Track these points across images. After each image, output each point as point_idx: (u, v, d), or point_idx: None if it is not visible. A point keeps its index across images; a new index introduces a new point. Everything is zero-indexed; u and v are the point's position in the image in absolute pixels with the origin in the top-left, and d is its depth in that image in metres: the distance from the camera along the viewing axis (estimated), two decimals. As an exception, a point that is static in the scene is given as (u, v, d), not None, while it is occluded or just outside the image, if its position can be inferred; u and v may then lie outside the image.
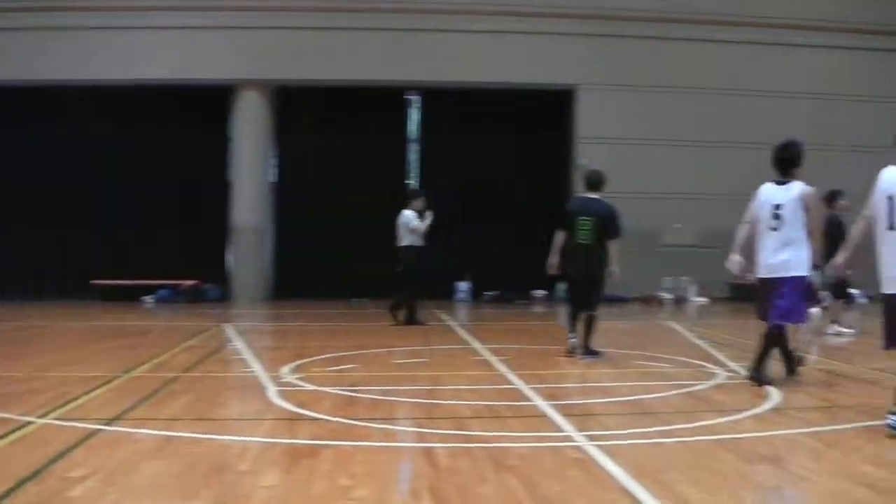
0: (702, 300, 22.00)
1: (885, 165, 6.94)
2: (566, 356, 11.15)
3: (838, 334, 13.98)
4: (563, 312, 12.22)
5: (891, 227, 6.71)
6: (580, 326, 11.19)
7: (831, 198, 14.09)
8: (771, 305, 8.98)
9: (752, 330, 15.66)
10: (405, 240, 15.45)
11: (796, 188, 8.86)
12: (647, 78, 22.84)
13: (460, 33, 22.42)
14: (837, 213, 13.94)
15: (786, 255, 8.84)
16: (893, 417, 6.43)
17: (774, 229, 8.87)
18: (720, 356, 11.15)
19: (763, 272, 9.09)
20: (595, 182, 11.36)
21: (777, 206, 8.86)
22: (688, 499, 4.89)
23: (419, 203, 15.59)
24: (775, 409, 7.56)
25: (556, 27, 22.64)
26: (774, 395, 8.19)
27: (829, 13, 23.51)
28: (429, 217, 15.42)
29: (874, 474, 5.44)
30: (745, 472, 5.53)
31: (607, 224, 10.99)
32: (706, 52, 23.09)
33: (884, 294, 6.89)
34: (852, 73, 23.80)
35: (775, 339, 9.05)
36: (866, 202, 7.07)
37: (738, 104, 22.98)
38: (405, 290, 15.65)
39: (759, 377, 8.82)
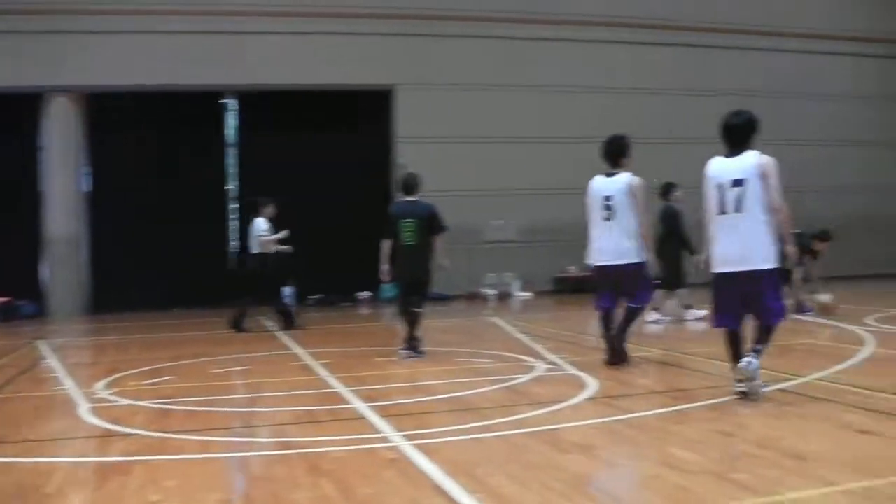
0: (525, 295, 22.31)
1: (709, 156, 7.50)
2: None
3: (656, 322, 14.39)
4: (396, 315, 12.20)
5: (721, 212, 7.44)
6: (404, 324, 11.37)
7: (667, 189, 14.57)
8: (612, 292, 9.62)
9: (574, 321, 16.13)
10: (256, 248, 15.35)
11: (624, 178, 9.41)
12: (464, 76, 22.97)
13: (275, 35, 22.05)
14: (673, 204, 14.39)
15: (620, 243, 9.35)
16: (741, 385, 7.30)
17: (607, 219, 9.40)
18: (540, 349, 11.26)
19: (599, 260, 9.59)
20: (411, 185, 11.49)
21: (607, 198, 9.41)
22: (500, 492, 4.90)
23: (270, 210, 15.52)
24: (591, 399, 7.68)
25: (372, 27, 22.54)
26: (591, 384, 8.32)
27: (643, 9, 24.27)
28: (283, 233, 15.38)
29: (683, 457, 5.56)
30: (558, 463, 5.57)
31: (430, 222, 11.16)
32: (520, 50, 23.41)
33: (714, 273, 7.57)
34: (672, 67, 24.61)
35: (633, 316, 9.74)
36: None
37: (555, 100, 23.40)
38: (253, 296, 15.61)
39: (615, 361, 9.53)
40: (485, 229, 23.07)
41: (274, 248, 15.33)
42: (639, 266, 9.44)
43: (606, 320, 9.72)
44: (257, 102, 22.93)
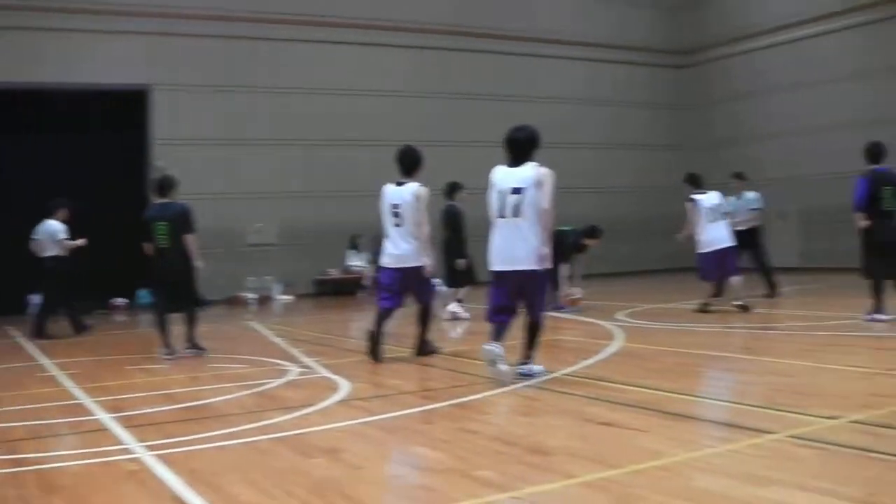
0: (286, 298, 22.10)
1: (493, 159, 8.10)
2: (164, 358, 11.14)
3: (454, 315, 14.72)
4: (154, 319, 11.84)
5: (501, 217, 8.19)
6: (181, 324, 11.50)
7: (451, 189, 14.84)
8: (400, 292, 10.27)
9: (332, 324, 16.12)
10: (50, 250, 14.97)
11: (411, 188, 10.07)
12: (225, 78, 22.54)
13: (25, 31, 20.95)
14: (455, 204, 14.60)
15: (407, 247, 10.02)
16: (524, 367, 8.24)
17: (397, 225, 10.08)
18: (296, 353, 11.16)
19: (390, 263, 10.22)
20: (164, 187, 11.51)
21: (395, 206, 10.08)
22: (241, 500, 4.78)
23: (63, 213, 15.21)
24: (341, 402, 7.62)
25: (128, 26, 21.75)
26: (344, 387, 8.28)
27: (428, 14, 24.50)
28: (81, 241, 15.09)
29: (428, 456, 5.59)
30: (301, 468, 5.48)
31: (181, 224, 11.27)
32: (285, 52, 23.15)
33: (492, 271, 8.35)
34: (457, 71, 25.01)
35: (424, 316, 10.43)
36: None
37: (322, 103, 23.26)
38: (48, 302, 15.26)
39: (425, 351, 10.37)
40: (245, 232, 22.70)
41: (67, 251, 15.04)
42: (420, 268, 10.09)
43: (381, 318, 10.26)
44: (7, 101, 21.69)
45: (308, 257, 22.77)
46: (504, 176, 8.26)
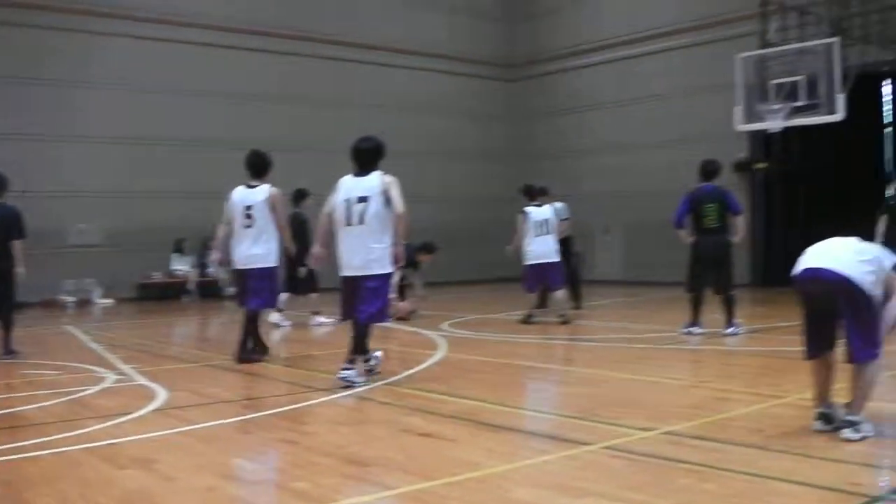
0: (107, 302, 21.41)
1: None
2: None
3: (320, 324, 14.56)
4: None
5: (348, 224, 8.50)
6: None
7: (298, 196, 14.74)
8: (246, 293, 10.35)
9: (153, 329, 15.72)
10: None
11: (264, 190, 10.29)
12: (47, 72, 21.62)
13: None
14: (301, 211, 14.49)
15: (258, 249, 10.23)
16: (346, 372, 8.28)
17: (248, 227, 10.24)
18: (113, 359, 10.81)
19: (239, 264, 10.37)
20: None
21: (248, 207, 10.25)
22: (44, 515, 4.59)
23: None
24: (157, 410, 7.42)
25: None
26: (161, 395, 8.06)
27: (276, 19, 24.12)
28: None
29: (245, 467, 5.51)
30: (112, 478, 5.30)
31: (11, 226, 11.00)
32: (109, 48, 22.46)
33: (342, 276, 8.64)
34: (305, 77, 24.75)
35: (251, 321, 10.43)
36: (326, 200, 8.79)
37: (150, 102, 22.64)
38: None
39: (246, 358, 10.26)
40: (68, 233, 21.87)
41: None
42: (267, 270, 10.32)
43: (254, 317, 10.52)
44: None
45: (132, 260, 22.09)
46: (351, 185, 8.61)
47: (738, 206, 12.28)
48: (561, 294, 14.29)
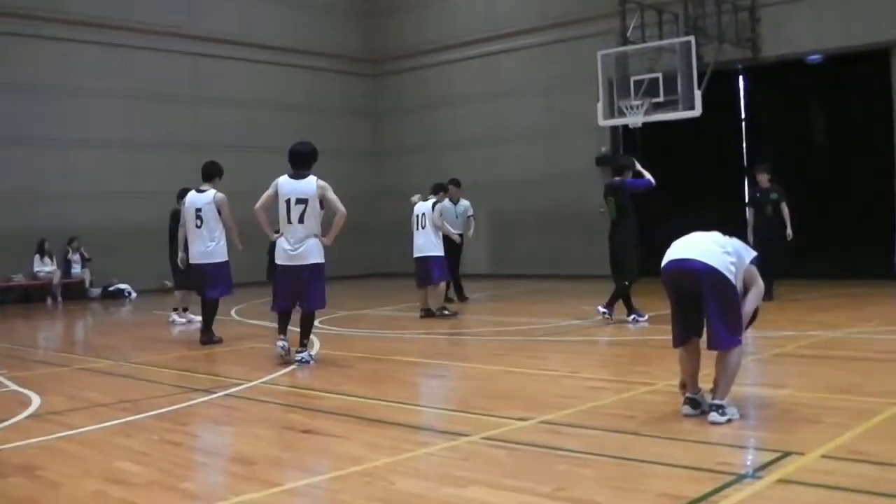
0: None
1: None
2: None
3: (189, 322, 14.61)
4: None
5: (288, 222, 9.76)
6: None
7: (181, 195, 14.54)
8: (206, 285, 11.82)
9: (20, 333, 15.31)
10: None
11: (210, 194, 11.71)
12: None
13: None
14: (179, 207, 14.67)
15: (209, 246, 11.67)
16: (301, 354, 9.72)
17: (198, 227, 11.70)
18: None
19: (195, 260, 11.86)
20: None
21: (198, 210, 11.69)
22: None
23: None
24: (33, 416, 7.31)
25: None
26: (35, 401, 7.93)
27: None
28: None
29: (130, 470, 5.48)
30: (-4, 488, 5.26)
31: None
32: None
33: (281, 266, 9.86)
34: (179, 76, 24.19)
35: (211, 308, 11.94)
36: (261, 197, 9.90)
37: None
38: None
39: (208, 340, 11.83)
40: None
41: None
42: (221, 264, 11.80)
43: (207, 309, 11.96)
44: None
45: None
46: (291, 187, 9.78)
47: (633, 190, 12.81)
48: (441, 288, 14.45)
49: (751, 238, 14.58)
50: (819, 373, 8.37)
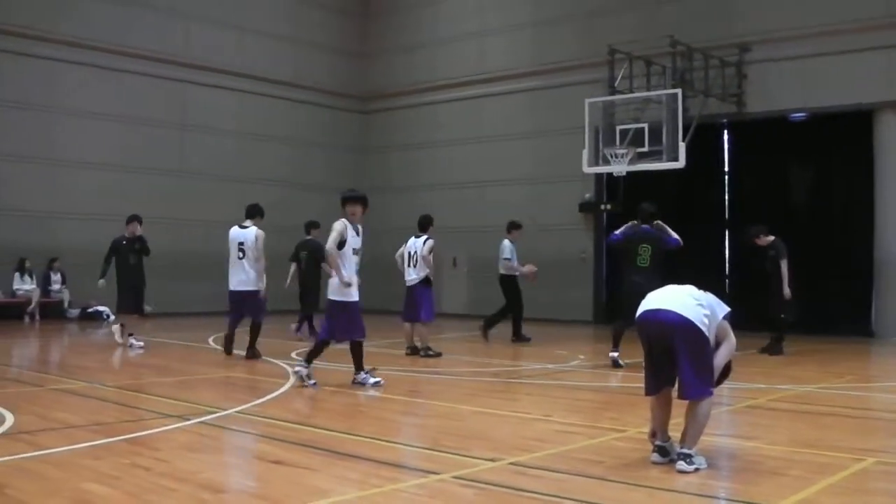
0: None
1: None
2: None
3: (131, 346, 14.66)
4: None
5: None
6: None
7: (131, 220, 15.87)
8: (248, 309, 13.80)
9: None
10: None
11: (253, 231, 13.55)
12: None
13: None
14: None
15: (248, 275, 13.53)
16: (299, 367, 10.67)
17: (240, 258, 13.57)
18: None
19: (234, 287, 13.71)
20: None
21: (241, 243, 13.55)
22: None
23: None
24: (4, 435, 7.29)
25: None
26: (7, 419, 7.91)
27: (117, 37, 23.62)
28: None
29: (97, 492, 5.49)
30: (-38, 504, 5.25)
31: None
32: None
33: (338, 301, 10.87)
34: (148, 99, 24.20)
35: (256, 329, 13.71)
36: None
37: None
38: None
39: (252, 355, 13.42)
40: None
41: None
42: (255, 292, 13.60)
43: (231, 325, 13.84)
44: None
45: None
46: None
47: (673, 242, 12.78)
48: (417, 326, 14.41)
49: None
50: (788, 426, 8.44)
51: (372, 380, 10.63)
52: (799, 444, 7.34)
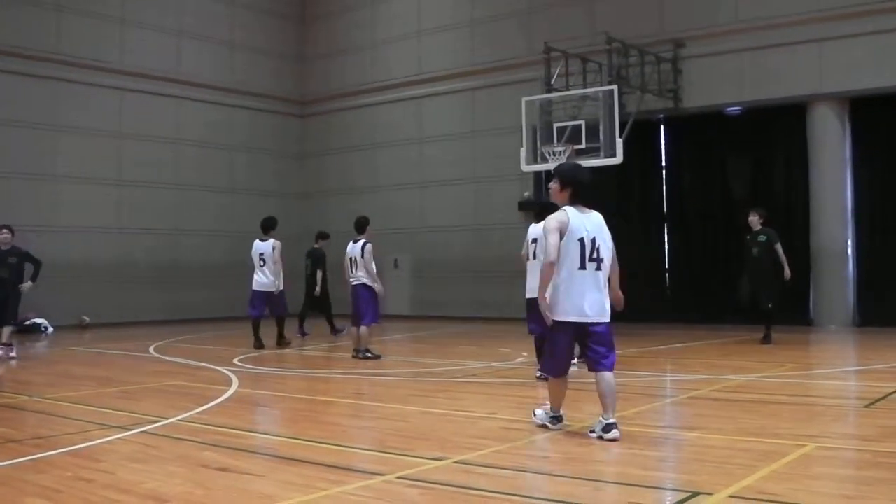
0: None
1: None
2: None
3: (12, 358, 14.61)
4: None
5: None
6: None
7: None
8: (271, 305, 16.23)
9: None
10: None
11: (270, 242, 15.93)
12: None
13: None
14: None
15: (269, 279, 16.03)
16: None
17: (262, 266, 16.00)
18: None
19: (258, 288, 16.15)
20: None
21: (261, 254, 15.95)
22: None
23: None
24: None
25: None
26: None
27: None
28: None
29: (40, 507, 5.42)
30: None
31: None
32: None
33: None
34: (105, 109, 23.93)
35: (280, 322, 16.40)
36: None
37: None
38: None
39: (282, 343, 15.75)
40: None
41: None
42: (276, 292, 16.10)
43: (255, 324, 16.10)
44: None
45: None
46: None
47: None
48: (364, 330, 14.30)
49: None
50: (730, 415, 8.54)
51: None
52: (742, 433, 7.44)
